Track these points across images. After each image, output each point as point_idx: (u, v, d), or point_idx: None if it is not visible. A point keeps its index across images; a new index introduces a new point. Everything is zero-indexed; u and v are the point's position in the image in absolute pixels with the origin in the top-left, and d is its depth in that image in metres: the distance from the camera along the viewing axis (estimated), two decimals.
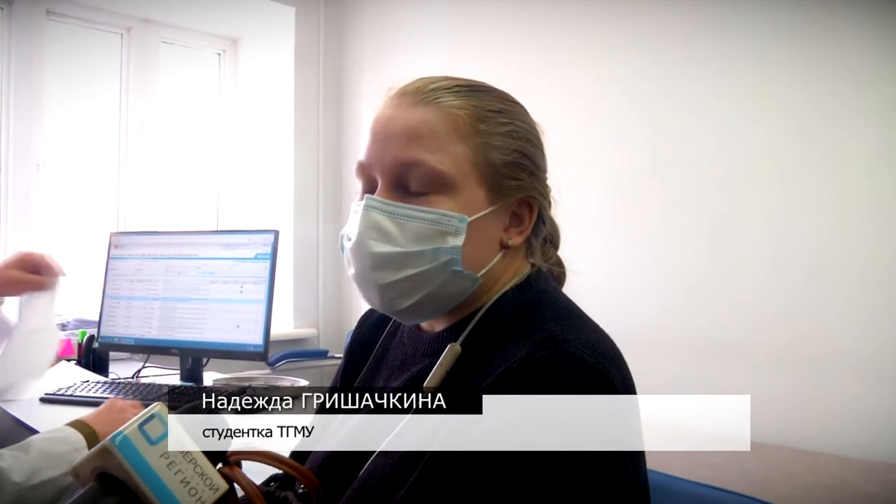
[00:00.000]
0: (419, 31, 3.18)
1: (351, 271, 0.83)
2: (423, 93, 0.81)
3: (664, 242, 2.38)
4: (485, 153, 0.80)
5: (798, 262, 2.10)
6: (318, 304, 3.49)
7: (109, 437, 0.62)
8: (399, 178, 0.79)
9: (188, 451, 0.65)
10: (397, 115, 0.80)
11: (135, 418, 0.64)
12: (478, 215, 0.79)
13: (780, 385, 2.12)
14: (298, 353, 3.18)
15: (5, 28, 2.90)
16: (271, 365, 3.01)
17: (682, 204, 2.34)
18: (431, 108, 0.79)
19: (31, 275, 1.68)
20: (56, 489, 1.25)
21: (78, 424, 1.36)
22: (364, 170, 0.83)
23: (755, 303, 2.19)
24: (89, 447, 1.28)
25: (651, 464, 1.37)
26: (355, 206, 0.81)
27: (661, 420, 2.24)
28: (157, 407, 0.65)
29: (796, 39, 2.10)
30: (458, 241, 0.78)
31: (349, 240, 0.81)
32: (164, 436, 0.64)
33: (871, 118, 1.99)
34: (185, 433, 0.66)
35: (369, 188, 0.82)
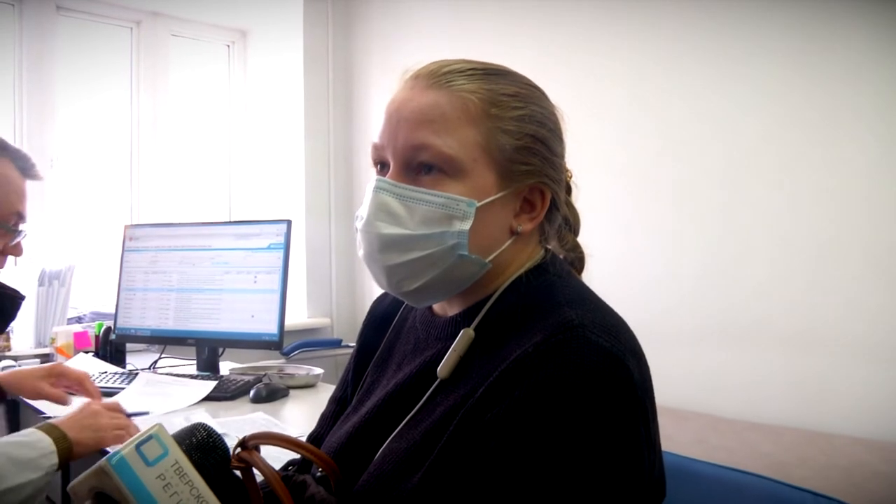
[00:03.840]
0: (427, 23, 3.17)
1: (361, 251, 0.83)
2: (437, 76, 0.80)
3: (675, 232, 2.37)
4: (495, 138, 0.79)
5: (808, 248, 2.09)
6: (331, 293, 3.50)
7: (106, 457, 0.61)
8: (409, 160, 0.79)
9: (185, 473, 0.64)
10: (410, 98, 0.80)
11: (132, 438, 0.64)
12: (486, 200, 0.79)
13: (792, 368, 2.12)
14: (313, 342, 3.20)
15: (16, 24, 2.91)
16: (286, 354, 3.03)
17: (692, 194, 2.33)
18: (444, 91, 0.79)
19: (55, 390, 1.59)
20: (21, 496, 1.19)
21: (48, 427, 1.29)
22: (377, 151, 0.83)
23: (766, 289, 2.18)
24: (59, 451, 1.24)
25: (666, 446, 1.37)
26: (369, 185, 0.82)
27: (675, 404, 2.25)
28: (156, 428, 0.65)
29: (801, 31, 2.09)
30: (466, 225, 0.78)
31: (361, 219, 0.82)
32: (162, 457, 0.64)
33: (870, 112, 1.98)
34: (182, 454, 0.65)
35: (382, 169, 0.83)
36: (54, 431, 1.27)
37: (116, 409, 1.45)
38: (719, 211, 2.28)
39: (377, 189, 0.80)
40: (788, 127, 2.12)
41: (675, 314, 2.36)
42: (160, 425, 0.66)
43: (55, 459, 1.23)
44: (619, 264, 2.45)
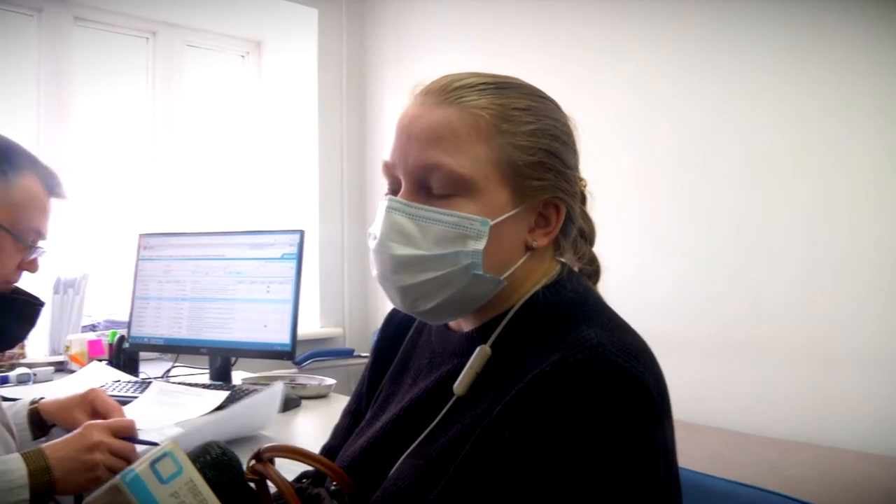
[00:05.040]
0: (441, 31, 3.19)
1: (374, 272, 0.83)
2: (447, 92, 0.79)
3: (688, 242, 2.36)
4: (508, 154, 0.78)
5: (826, 260, 2.08)
6: (343, 303, 3.51)
7: (120, 474, 0.61)
8: (421, 179, 0.79)
9: (199, 492, 0.65)
10: (420, 115, 0.80)
11: (147, 456, 0.64)
12: (500, 218, 0.78)
13: (808, 382, 2.10)
14: (325, 352, 3.20)
15: (35, 35, 2.95)
16: (298, 364, 3.03)
17: (707, 205, 2.32)
18: (454, 108, 0.78)
19: (89, 417, 1.42)
20: None
21: (34, 454, 1.13)
22: (389, 169, 0.82)
23: (778, 300, 2.17)
24: (31, 486, 1.09)
25: (680, 461, 1.36)
26: (381, 204, 0.81)
27: (689, 418, 2.24)
28: (170, 445, 0.65)
29: (821, 35, 2.08)
30: (480, 244, 0.77)
31: (374, 239, 0.81)
32: (176, 475, 0.64)
33: (878, 120, 1.97)
34: (196, 472, 0.66)
35: (394, 187, 0.82)
36: (36, 461, 1.12)
37: (128, 431, 1.29)
38: (733, 223, 2.27)
39: (389, 209, 0.79)
40: (806, 135, 2.12)
41: (687, 325, 2.35)
42: (174, 443, 0.66)
43: (24, 496, 1.08)
44: (632, 274, 2.44)
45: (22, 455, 1.13)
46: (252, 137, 3.65)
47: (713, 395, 2.28)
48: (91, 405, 1.44)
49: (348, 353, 3.23)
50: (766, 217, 2.20)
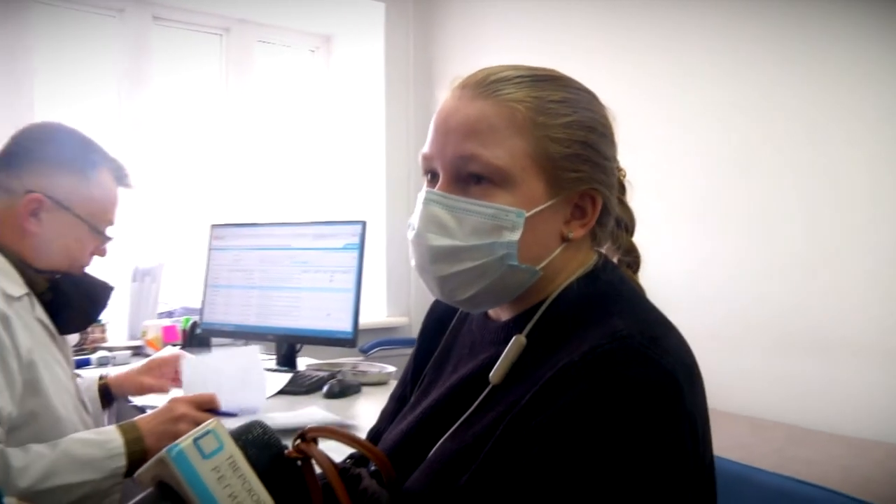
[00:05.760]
0: (507, 25, 3.18)
1: (413, 262, 0.85)
2: (484, 85, 0.81)
3: (754, 233, 2.31)
4: (543, 146, 0.79)
5: (891, 256, 2.01)
6: (409, 293, 3.56)
7: (166, 449, 0.66)
8: (458, 171, 0.80)
9: (238, 467, 0.68)
10: (458, 109, 0.81)
11: (191, 432, 0.68)
12: (536, 210, 0.79)
13: (877, 380, 2.03)
14: (391, 341, 3.26)
15: (117, 34, 3.09)
16: (365, 352, 3.10)
17: (768, 196, 2.27)
18: (491, 101, 0.79)
19: (155, 381, 1.69)
20: (72, 496, 1.14)
21: (128, 427, 1.27)
22: (427, 161, 0.84)
23: (849, 295, 2.09)
24: (128, 454, 1.21)
25: (738, 456, 1.34)
26: (420, 196, 0.83)
27: (752, 412, 2.18)
28: (213, 423, 0.69)
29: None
30: (515, 235, 0.78)
31: (412, 230, 0.83)
32: (217, 451, 0.67)
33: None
34: (237, 449, 0.69)
35: (432, 180, 0.84)
36: (132, 432, 1.25)
37: (209, 404, 1.42)
38: (800, 215, 2.21)
39: (427, 201, 0.81)
40: (872, 143, 2.05)
41: (755, 318, 2.29)
42: (217, 420, 0.70)
43: (122, 462, 1.21)
44: (695, 268, 2.40)
45: (118, 426, 1.27)
46: (320, 130, 3.73)
47: (779, 390, 2.22)
48: (157, 368, 1.71)
49: (413, 342, 3.26)
50: (831, 211, 2.13)
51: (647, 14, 2.59)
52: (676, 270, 2.22)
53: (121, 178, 1.45)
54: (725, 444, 1.22)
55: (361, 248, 2.08)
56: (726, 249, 2.36)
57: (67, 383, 1.35)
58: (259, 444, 0.72)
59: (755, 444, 1.98)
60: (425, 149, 0.84)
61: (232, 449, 0.68)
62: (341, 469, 0.87)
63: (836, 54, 2.12)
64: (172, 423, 1.30)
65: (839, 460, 1.84)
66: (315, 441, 0.84)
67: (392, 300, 3.53)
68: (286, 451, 0.82)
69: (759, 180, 2.30)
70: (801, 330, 2.20)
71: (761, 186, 2.30)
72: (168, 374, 1.73)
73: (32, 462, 1.12)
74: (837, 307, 2.13)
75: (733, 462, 1.27)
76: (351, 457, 0.99)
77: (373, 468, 0.88)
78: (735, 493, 1.23)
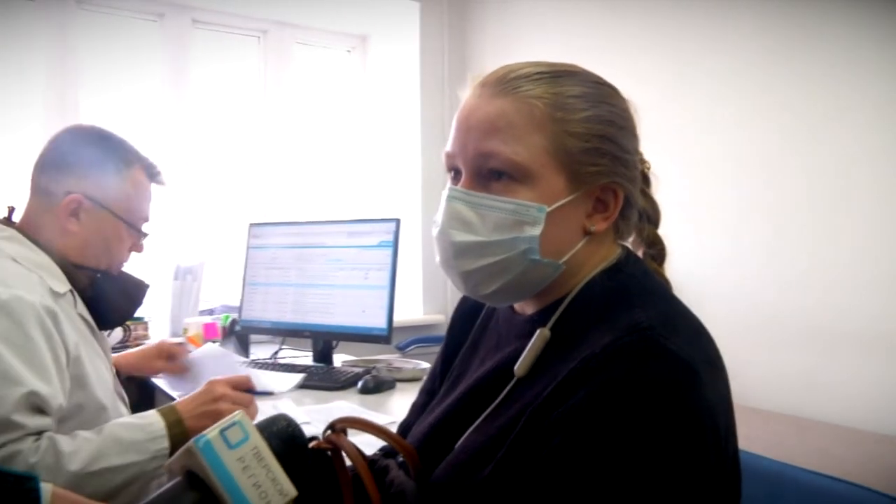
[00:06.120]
0: (540, 25, 3.17)
1: (437, 258, 0.86)
2: (504, 83, 0.82)
3: (779, 229, 2.27)
4: (562, 141, 0.80)
5: None
6: (445, 291, 3.56)
7: (193, 439, 0.68)
8: (480, 168, 0.82)
9: (263, 458, 0.70)
10: (478, 106, 0.83)
11: (218, 424, 0.70)
12: (557, 204, 0.80)
13: None
14: (427, 338, 3.28)
15: (158, 37, 3.15)
16: (402, 349, 3.12)
17: (793, 196, 2.22)
18: (510, 98, 0.81)
19: (167, 364, 1.86)
20: (120, 477, 1.19)
21: (167, 410, 1.32)
22: (450, 159, 0.86)
23: (881, 289, 2.05)
24: (170, 436, 1.26)
25: (782, 454, 1.32)
26: (443, 193, 0.85)
27: (795, 412, 2.15)
28: (239, 415, 0.71)
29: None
30: (536, 230, 0.79)
31: (437, 226, 0.85)
32: (243, 441, 0.69)
33: None
34: (262, 441, 0.71)
35: (455, 177, 0.86)
36: (171, 415, 1.30)
37: (245, 384, 1.48)
38: (821, 211, 2.16)
39: (450, 198, 0.83)
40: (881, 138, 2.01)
41: (785, 313, 2.25)
42: (243, 412, 0.72)
43: (165, 444, 1.25)
44: (728, 261, 2.36)
45: (157, 410, 1.32)
46: (357, 129, 3.76)
47: (821, 389, 2.17)
48: (166, 352, 1.84)
49: None
50: (851, 206, 2.09)
51: (686, 13, 2.56)
52: (709, 266, 2.19)
53: (153, 175, 1.51)
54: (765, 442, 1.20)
55: (395, 245, 2.10)
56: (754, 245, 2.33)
57: (107, 376, 1.40)
58: (283, 436, 0.74)
59: (797, 445, 1.94)
60: (448, 147, 0.86)
61: (257, 440, 0.70)
62: (370, 460, 0.89)
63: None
64: (213, 403, 1.36)
65: (885, 459, 1.80)
66: (344, 432, 0.86)
67: (428, 298, 3.55)
68: (316, 442, 0.84)
69: (780, 179, 2.26)
70: (849, 329, 2.15)
71: (782, 185, 2.26)
72: (178, 356, 1.88)
73: (80, 447, 1.17)
74: (851, 300, 2.08)
75: (773, 461, 1.25)
76: (381, 449, 1.01)
77: (401, 459, 0.89)
78: (776, 493, 1.21)
